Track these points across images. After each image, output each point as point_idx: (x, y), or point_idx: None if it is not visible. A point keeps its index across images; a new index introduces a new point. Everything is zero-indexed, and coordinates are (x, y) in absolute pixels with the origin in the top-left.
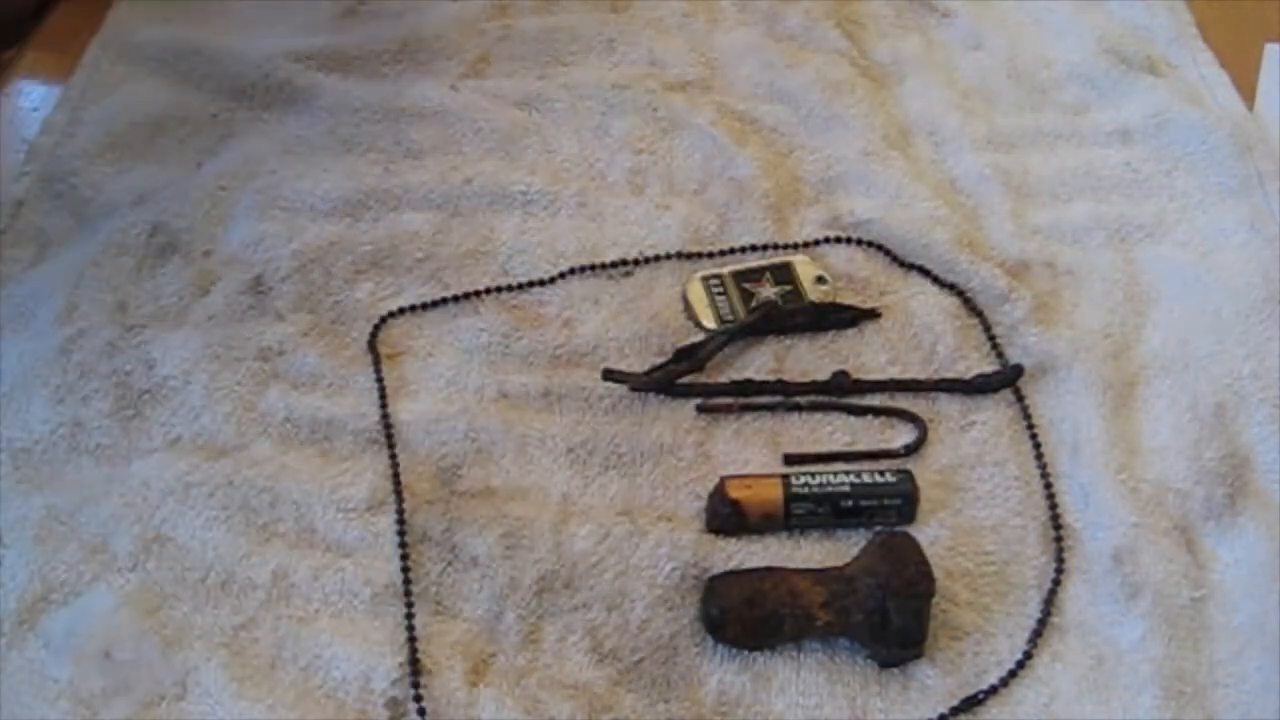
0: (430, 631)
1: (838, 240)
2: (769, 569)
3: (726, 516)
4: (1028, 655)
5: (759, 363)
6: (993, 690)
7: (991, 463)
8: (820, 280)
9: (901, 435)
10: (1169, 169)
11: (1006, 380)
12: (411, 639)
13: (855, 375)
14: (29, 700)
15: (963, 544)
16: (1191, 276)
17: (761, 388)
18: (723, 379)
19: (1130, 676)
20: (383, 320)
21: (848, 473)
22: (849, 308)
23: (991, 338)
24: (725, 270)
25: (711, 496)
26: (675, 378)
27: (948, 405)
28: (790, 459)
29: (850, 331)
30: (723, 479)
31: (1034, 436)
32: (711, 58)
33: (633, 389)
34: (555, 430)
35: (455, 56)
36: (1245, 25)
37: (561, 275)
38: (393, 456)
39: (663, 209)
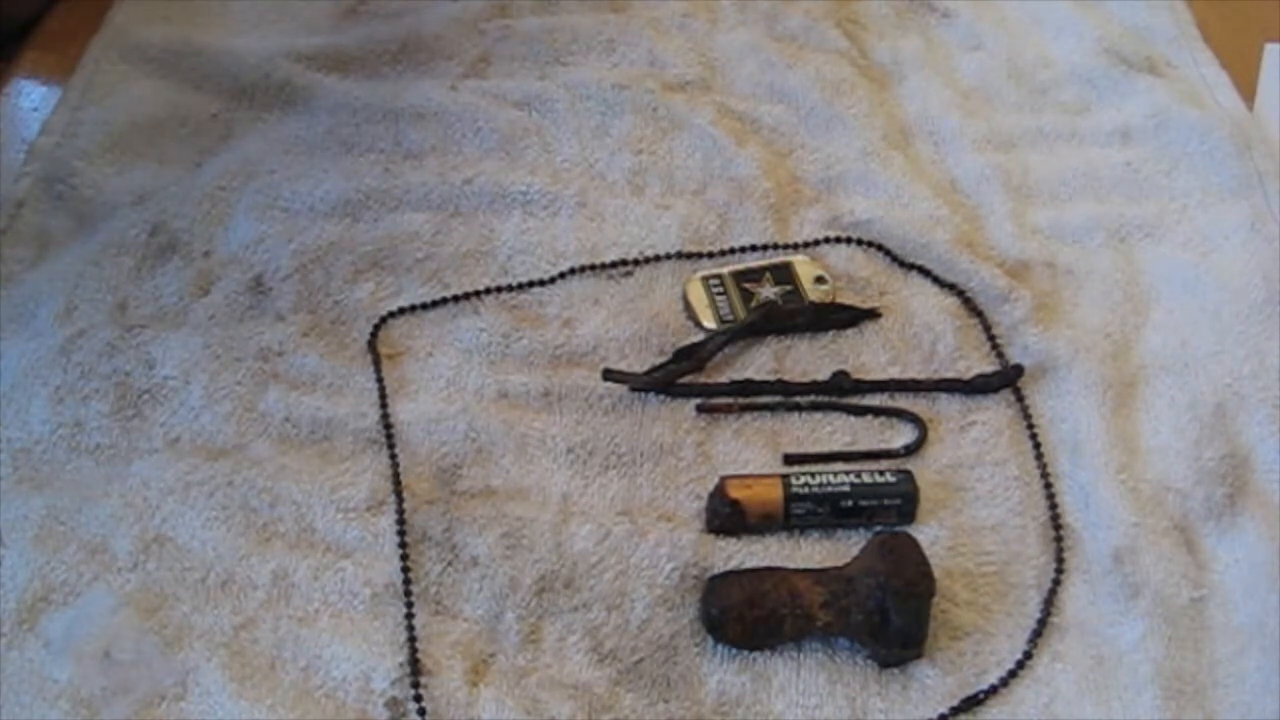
0: (430, 631)
1: (838, 240)
2: (769, 569)
3: (726, 516)
4: (1028, 655)
5: (759, 363)
6: (993, 690)
7: (991, 463)
8: (820, 280)
9: (901, 435)
10: (1169, 169)
11: (1006, 380)
12: (411, 639)
13: (855, 375)
14: (29, 700)
15: (963, 544)
16: (1191, 276)
17: (761, 388)
18: (723, 379)
19: (1130, 676)
20: (383, 320)
21: (848, 473)
22: (849, 308)
23: (991, 338)
24: (725, 270)
25: (711, 496)
26: (675, 378)
27: (948, 405)
28: (790, 459)
29: (850, 331)
30: (723, 479)
31: (1034, 436)
32: (711, 58)
33: (633, 389)
34: (555, 430)
35: (455, 56)
36: (1245, 25)
37: (561, 275)
38: (393, 456)
39: (663, 209)
